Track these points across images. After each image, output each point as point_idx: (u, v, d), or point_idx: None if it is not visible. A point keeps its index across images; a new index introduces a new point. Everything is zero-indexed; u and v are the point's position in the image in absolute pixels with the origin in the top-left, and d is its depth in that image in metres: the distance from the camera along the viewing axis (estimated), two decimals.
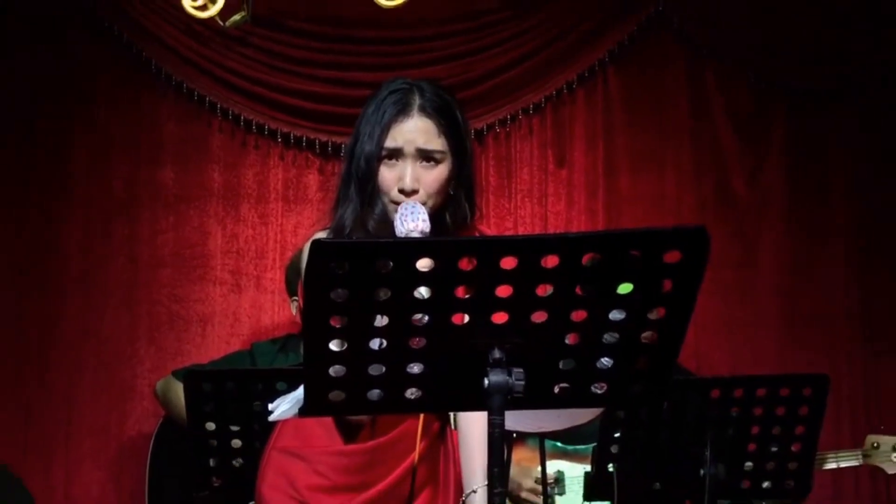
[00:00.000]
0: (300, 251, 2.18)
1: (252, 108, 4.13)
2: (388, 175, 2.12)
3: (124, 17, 4.08)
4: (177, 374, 3.61)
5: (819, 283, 4.11)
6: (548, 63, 4.14)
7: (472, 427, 2.16)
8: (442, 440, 2.22)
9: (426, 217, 2.02)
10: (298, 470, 2.14)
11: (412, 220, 2.00)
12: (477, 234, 2.20)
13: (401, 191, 2.11)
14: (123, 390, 4.04)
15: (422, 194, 2.11)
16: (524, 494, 3.28)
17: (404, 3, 3.97)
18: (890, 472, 3.31)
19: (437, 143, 2.13)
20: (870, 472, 3.79)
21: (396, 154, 2.12)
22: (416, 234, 1.98)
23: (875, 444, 3.29)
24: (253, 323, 4.10)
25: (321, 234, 2.14)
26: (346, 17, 4.11)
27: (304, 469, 2.14)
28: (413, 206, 2.03)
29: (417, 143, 2.12)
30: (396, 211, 2.07)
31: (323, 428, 2.14)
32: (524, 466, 3.27)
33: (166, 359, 4.03)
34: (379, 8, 3.98)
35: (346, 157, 2.20)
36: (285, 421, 2.16)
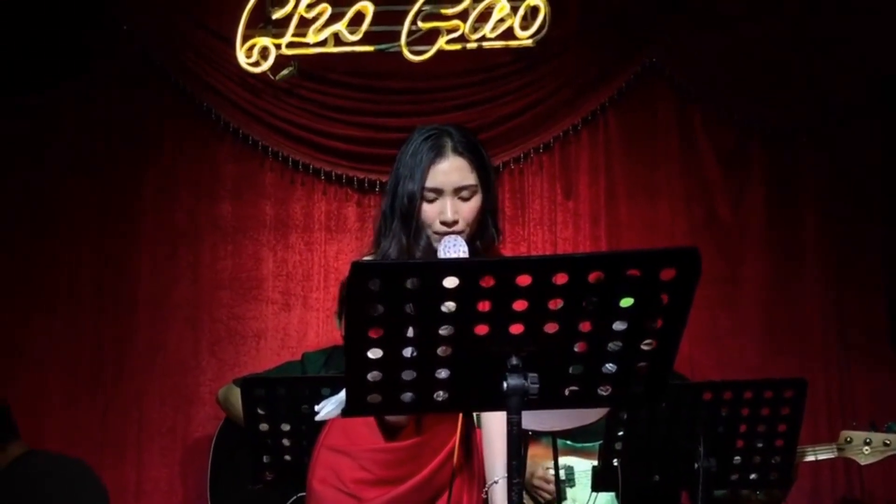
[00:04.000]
0: None
1: (298, 150, 4.14)
2: (430, 210, 2.12)
3: (189, 73, 4.11)
4: (236, 382, 3.60)
5: (796, 296, 4.07)
6: (555, 108, 4.13)
7: (493, 425, 2.15)
8: (471, 438, 2.20)
9: (466, 248, 2.04)
10: (345, 465, 2.12)
11: (454, 251, 2.02)
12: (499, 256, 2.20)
13: (443, 223, 2.11)
14: (188, 396, 4.04)
15: (461, 224, 2.11)
16: (535, 482, 3.25)
17: (430, 58, 3.99)
18: (862, 463, 3.26)
19: (470, 178, 2.13)
20: (844, 464, 3.73)
21: (436, 192, 2.12)
22: None
23: (848, 439, 3.25)
24: (300, 337, 4.09)
25: (366, 259, 2.14)
26: (380, 70, 4.12)
27: (350, 464, 2.12)
28: (455, 240, 2.05)
29: (454, 181, 2.12)
30: (439, 241, 2.08)
31: (367, 428, 2.12)
32: (537, 461, 3.24)
33: (225, 369, 4.03)
34: (407, 62, 3.99)
35: (389, 195, 2.18)
36: (333, 421, 2.15)
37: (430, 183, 2.11)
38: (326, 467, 2.13)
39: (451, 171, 2.12)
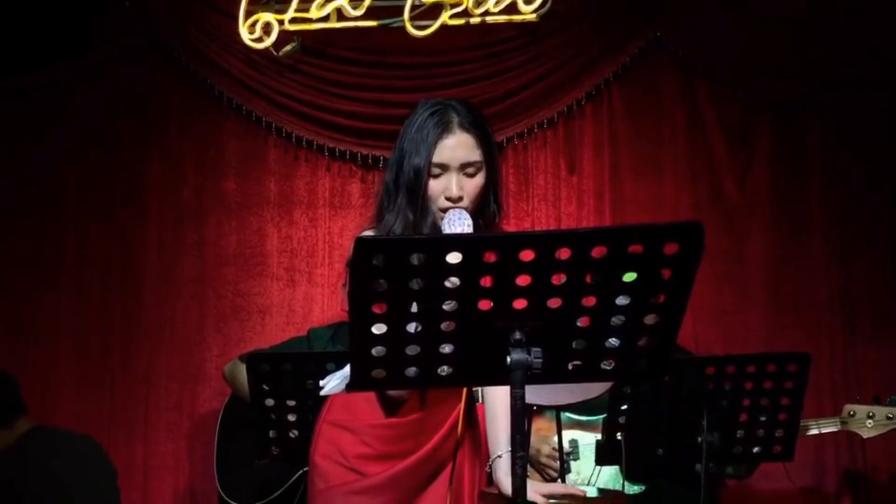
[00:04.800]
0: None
1: (302, 127, 4.14)
2: (436, 186, 2.12)
3: (192, 50, 4.10)
4: (241, 358, 3.62)
5: (801, 272, 4.06)
6: (559, 83, 4.11)
7: (496, 400, 2.16)
8: (472, 413, 2.21)
9: (471, 222, 2.04)
10: (347, 440, 2.13)
11: (459, 226, 2.02)
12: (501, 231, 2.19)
13: (448, 198, 2.11)
14: (194, 372, 4.06)
15: (465, 200, 2.11)
16: (543, 460, 3.26)
17: (433, 32, 3.97)
18: (865, 436, 3.27)
19: (475, 154, 2.12)
20: (847, 438, 3.74)
21: (443, 168, 2.12)
22: None
23: (851, 413, 3.25)
24: (305, 312, 4.10)
25: (368, 233, 2.14)
26: (383, 45, 4.10)
27: (352, 440, 2.13)
28: (460, 214, 2.05)
29: (460, 157, 2.11)
30: (443, 217, 2.08)
31: (368, 403, 2.13)
32: (542, 435, 3.25)
33: (231, 345, 4.05)
34: (411, 37, 3.98)
35: (393, 170, 2.17)
36: (334, 397, 2.16)
37: (436, 158, 2.10)
38: (328, 442, 2.15)
39: (457, 146, 2.11)
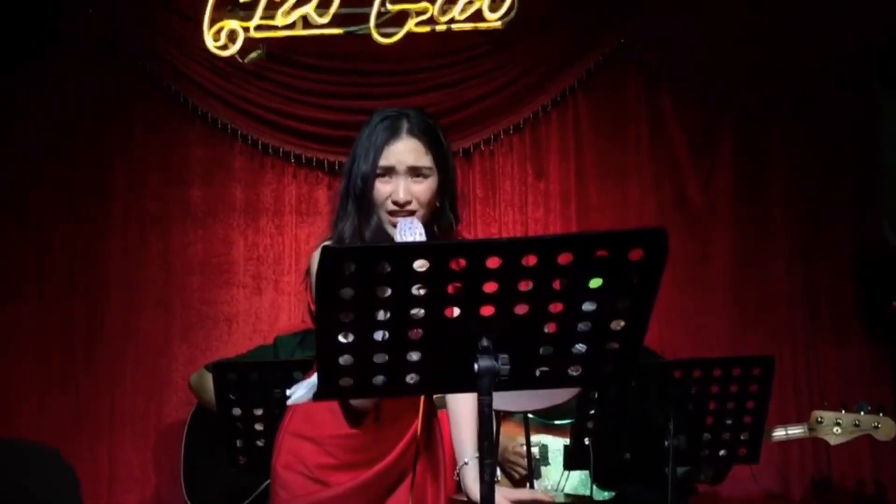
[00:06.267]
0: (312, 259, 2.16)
1: (268, 134, 4.12)
2: (383, 189, 2.11)
3: (157, 57, 4.07)
4: (207, 367, 3.59)
5: (764, 275, 4.10)
6: (525, 90, 4.13)
7: (460, 407, 2.14)
8: (432, 421, 2.20)
9: (422, 231, 2.02)
10: (309, 451, 2.12)
11: (410, 234, 2.00)
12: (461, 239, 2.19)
13: (394, 202, 2.10)
14: (160, 382, 4.02)
15: (414, 204, 2.10)
16: (511, 457, 3.25)
17: (399, 40, 3.97)
18: (832, 443, 3.28)
19: (424, 160, 2.11)
20: (812, 443, 3.77)
21: (390, 171, 2.11)
22: None
23: (819, 419, 3.26)
24: (272, 321, 4.08)
25: (327, 243, 2.13)
26: (349, 52, 4.10)
27: (314, 450, 2.11)
28: (411, 223, 2.03)
29: (408, 161, 2.10)
30: (391, 223, 2.07)
31: (331, 413, 2.11)
32: (510, 436, 3.25)
33: (197, 354, 4.01)
34: (377, 44, 3.97)
35: (344, 176, 2.17)
36: (296, 407, 2.14)
37: (383, 161, 2.10)
38: (290, 453, 2.13)
39: (405, 151, 2.10)
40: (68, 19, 4.01)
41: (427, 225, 2.09)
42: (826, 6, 4.03)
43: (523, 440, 3.01)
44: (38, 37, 3.99)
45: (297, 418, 2.15)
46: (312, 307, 2.10)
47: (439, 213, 2.14)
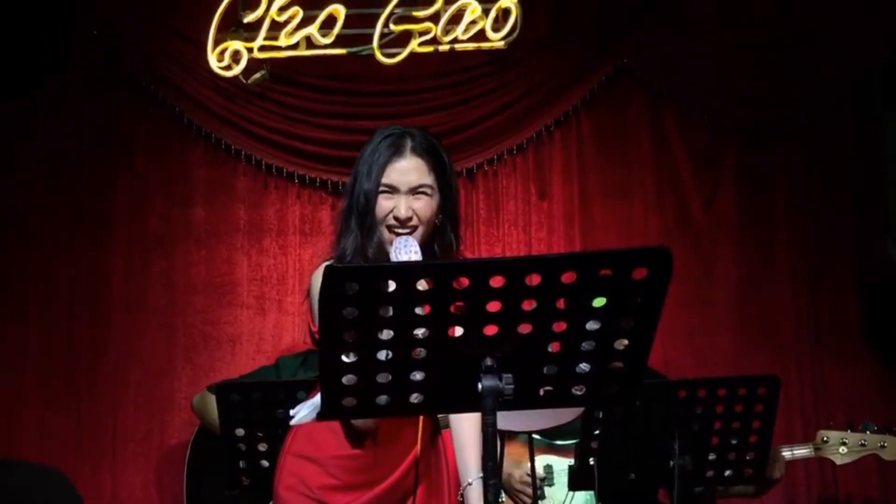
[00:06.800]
0: (312, 280, 2.17)
1: (272, 154, 4.13)
2: (385, 206, 2.12)
3: (160, 78, 4.09)
4: (210, 388, 3.58)
5: (769, 294, 4.10)
6: (528, 110, 4.14)
7: (464, 427, 2.14)
8: (436, 441, 2.19)
9: (418, 249, 2.02)
10: (311, 472, 2.11)
11: (405, 253, 2.01)
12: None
13: (396, 218, 2.10)
14: (163, 403, 4.01)
15: (415, 220, 2.10)
16: (517, 486, 3.24)
17: (402, 60, 3.99)
18: (838, 462, 3.25)
19: (427, 179, 2.12)
20: (818, 463, 3.75)
21: (392, 189, 2.12)
22: None
23: (825, 439, 3.24)
24: (276, 341, 4.07)
25: (328, 263, 2.13)
26: (352, 73, 4.11)
27: (316, 471, 2.11)
28: (406, 241, 2.03)
29: (410, 181, 2.11)
30: (391, 241, 2.07)
31: (333, 434, 2.11)
32: (515, 460, 3.24)
33: (200, 375, 4.00)
34: (380, 65, 3.99)
35: (347, 194, 2.19)
36: (298, 428, 2.14)
37: (385, 179, 2.11)
38: (292, 474, 2.12)
39: (408, 170, 2.11)
40: (72, 42, 4.04)
41: (427, 244, 2.09)
42: (828, 27, 4.04)
43: (528, 466, 3.00)
44: (40, 60, 4.01)
45: (300, 439, 2.15)
46: (313, 328, 2.10)
47: (440, 232, 2.15)
